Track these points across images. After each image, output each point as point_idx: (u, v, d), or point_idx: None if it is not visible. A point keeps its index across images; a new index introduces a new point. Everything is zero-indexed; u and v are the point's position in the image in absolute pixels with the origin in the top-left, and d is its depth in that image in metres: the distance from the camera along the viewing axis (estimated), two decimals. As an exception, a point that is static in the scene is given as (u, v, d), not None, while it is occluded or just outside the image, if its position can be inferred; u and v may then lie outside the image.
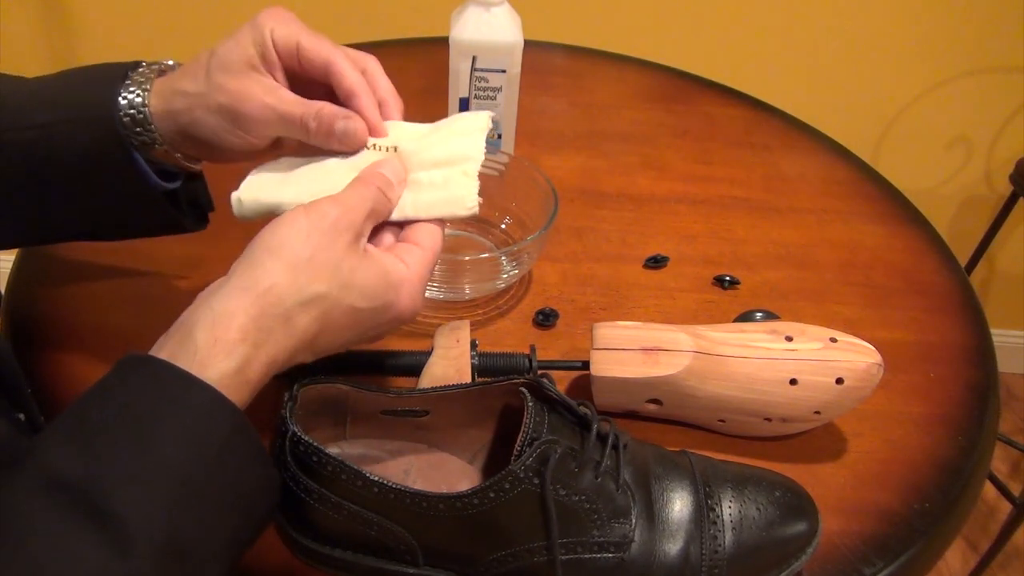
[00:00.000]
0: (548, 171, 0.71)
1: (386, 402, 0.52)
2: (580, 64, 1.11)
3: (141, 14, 1.43)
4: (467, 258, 0.67)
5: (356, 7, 1.39)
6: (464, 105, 0.78)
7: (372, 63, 0.53)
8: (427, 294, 0.68)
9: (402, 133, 0.53)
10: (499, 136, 0.81)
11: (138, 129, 0.51)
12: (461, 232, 0.76)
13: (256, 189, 0.51)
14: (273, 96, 0.50)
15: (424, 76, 1.02)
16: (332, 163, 0.51)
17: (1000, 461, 1.67)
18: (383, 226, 0.50)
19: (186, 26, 1.44)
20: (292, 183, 0.51)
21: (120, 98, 0.51)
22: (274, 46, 0.50)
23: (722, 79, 1.08)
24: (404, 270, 0.46)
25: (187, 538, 0.37)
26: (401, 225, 0.50)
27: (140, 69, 0.53)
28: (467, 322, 0.61)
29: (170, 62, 0.54)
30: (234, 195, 0.51)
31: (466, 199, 0.50)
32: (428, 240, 0.49)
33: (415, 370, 0.58)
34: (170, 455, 0.37)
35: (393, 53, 1.08)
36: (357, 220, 0.45)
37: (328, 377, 0.50)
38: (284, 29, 0.50)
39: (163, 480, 0.37)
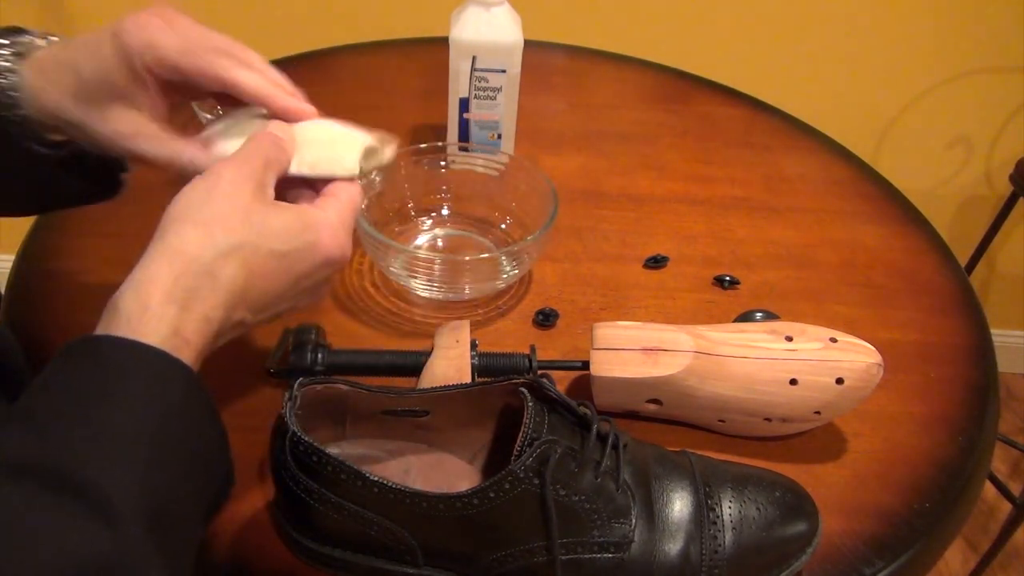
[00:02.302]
0: (548, 171, 0.71)
1: (386, 402, 0.52)
2: (580, 64, 1.11)
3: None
4: (467, 258, 0.67)
5: (356, 7, 1.39)
6: (464, 105, 0.78)
7: (254, 57, 0.51)
8: (427, 294, 0.68)
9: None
10: (499, 136, 0.81)
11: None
12: (461, 232, 0.76)
13: None
14: (154, 142, 0.49)
15: (424, 76, 1.02)
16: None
17: (1000, 461, 1.67)
18: (296, 191, 0.50)
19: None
20: None
21: None
22: (147, 69, 0.48)
23: (722, 79, 1.08)
24: (320, 212, 0.47)
25: (165, 499, 0.37)
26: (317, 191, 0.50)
27: (22, 37, 0.50)
28: (467, 322, 0.61)
29: (54, 38, 0.52)
30: None
31: (345, 159, 0.50)
32: (344, 192, 0.49)
33: (415, 370, 0.58)
34: (131, 420, 0.37)
35: (393, 53, 1.09)
36: (256, 170, 0.46)
37: (328, 377, 0.50)
38: (152, 54, 0.47)
39: (131, 444, 0.36)
